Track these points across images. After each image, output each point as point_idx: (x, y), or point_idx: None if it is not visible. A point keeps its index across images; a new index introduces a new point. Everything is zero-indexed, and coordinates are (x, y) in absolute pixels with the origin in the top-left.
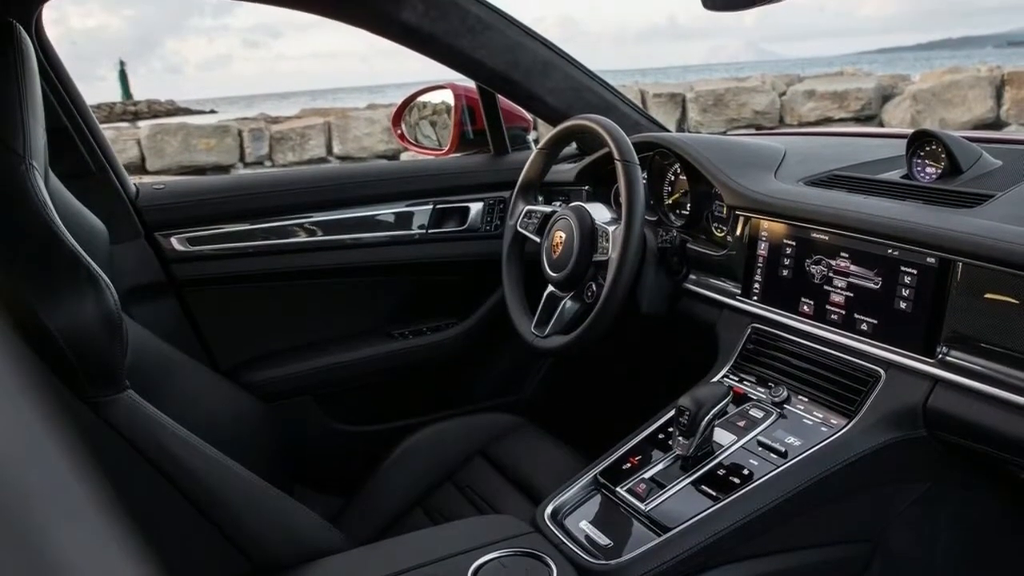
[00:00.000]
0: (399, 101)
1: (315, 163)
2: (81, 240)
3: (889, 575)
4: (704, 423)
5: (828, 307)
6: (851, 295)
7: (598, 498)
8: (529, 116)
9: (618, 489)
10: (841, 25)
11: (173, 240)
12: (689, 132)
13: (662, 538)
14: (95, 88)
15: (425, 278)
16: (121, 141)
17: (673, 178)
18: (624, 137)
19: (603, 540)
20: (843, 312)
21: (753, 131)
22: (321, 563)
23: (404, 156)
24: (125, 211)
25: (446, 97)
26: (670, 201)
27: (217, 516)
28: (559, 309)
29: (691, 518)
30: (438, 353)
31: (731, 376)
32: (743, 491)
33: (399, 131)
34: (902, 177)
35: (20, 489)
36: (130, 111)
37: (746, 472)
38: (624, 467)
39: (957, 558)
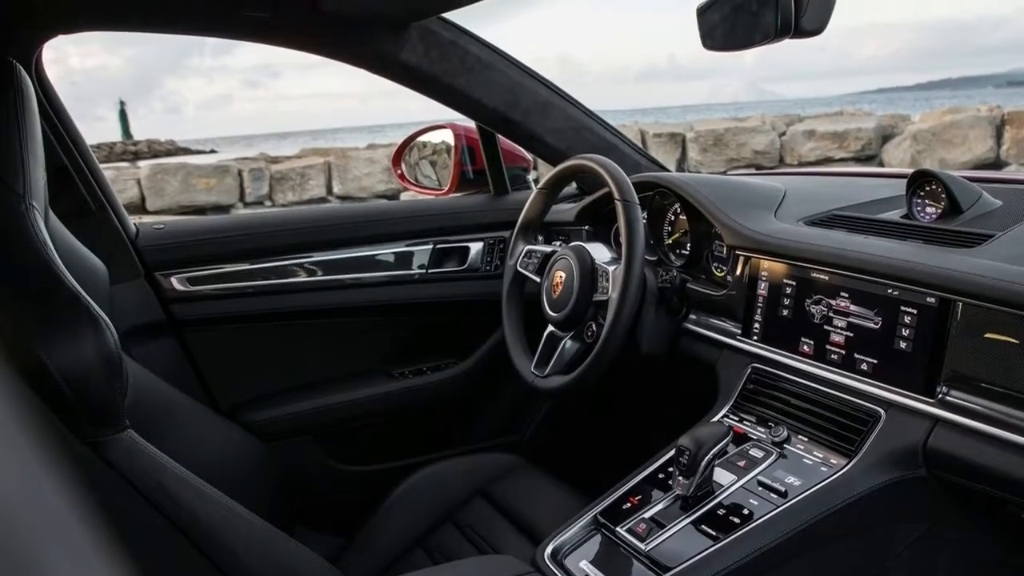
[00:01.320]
0: (399, 141)
1: (315, 203)
2: (81, 280)
3: None
4: (704, 463)
5: (828, 347)
6: (851, 335)
7: (598, 538)
8: (529, 156)
9: (618, 529)
10: (841, 65)
11: (173, 280)
12: (689, 172)
13: None
14: (95, 128)
15: (425, 318)
16: (121, 181)
17: (673, 218)
18: (624, 177)
19: None
20: (843, 352)
21: (753, 171)
22: None
23: (404, 196)
24: (125, 251)
25: (446, 137)
26: (670, 241)
27: (217, 557)
28: (559, 349)
29: (691, 558)
30: (438, 393)
31: (731, 416)
32: (743, 531)
33: (399, 171)
34: (902, 217)
35: (19, 529)
36: (130, 151)
37: (746, 512)
38: (624, 507)
39: None
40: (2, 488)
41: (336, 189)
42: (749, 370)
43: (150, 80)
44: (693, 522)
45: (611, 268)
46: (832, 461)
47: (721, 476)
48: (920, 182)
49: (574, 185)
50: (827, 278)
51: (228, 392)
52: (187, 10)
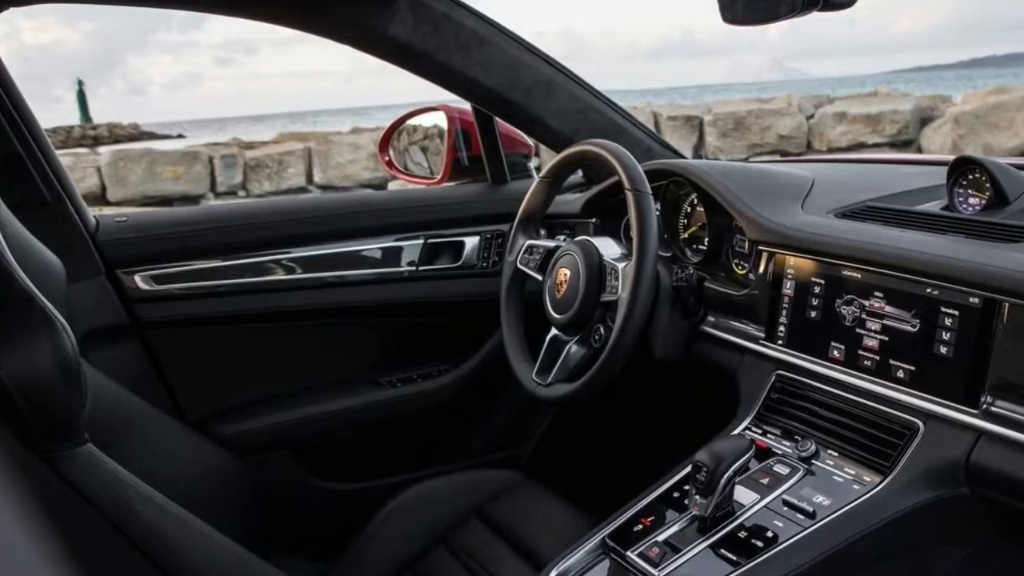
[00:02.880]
0: (387, 125)
1: (294, 193)
2: (35, 278)
3: None
4: (724, 480)
5: (860, 352)
6: (886, 339)
7: (606, 563)
8: (530, 141)
9: (629, 553)
10: (874, 41)
11: (136, 278)
12: (707, 159)
13: None
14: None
15: (415, 320)
16: (80, 168)
17: (689, 209)
18: (635, 164)
19: None
20: (877, 358)
21: (778, 158)
22: None
23: (392, 185)
24: (84, 246)
25: (438, 120)
26: (686, 235)
27: None
28: (563, 354)
29: None
30: (430, 403)
31: (753, 428)
32: (767, 555)
33: (387, 157)
34: (942, 209)
35: None
36: (89, 135)
37: (770, 534)
38: (635, 529)
39: None
40: None
41: (317, 178)
42: (773, 378)
43: (111, 57)
44: (711, 546)
45: (621, 265)
46: (865, 478)
47: (742, 495)
48: (962, 170)
49: (580, 173)
50: (860, 276)
51: (197, 402)
52: None
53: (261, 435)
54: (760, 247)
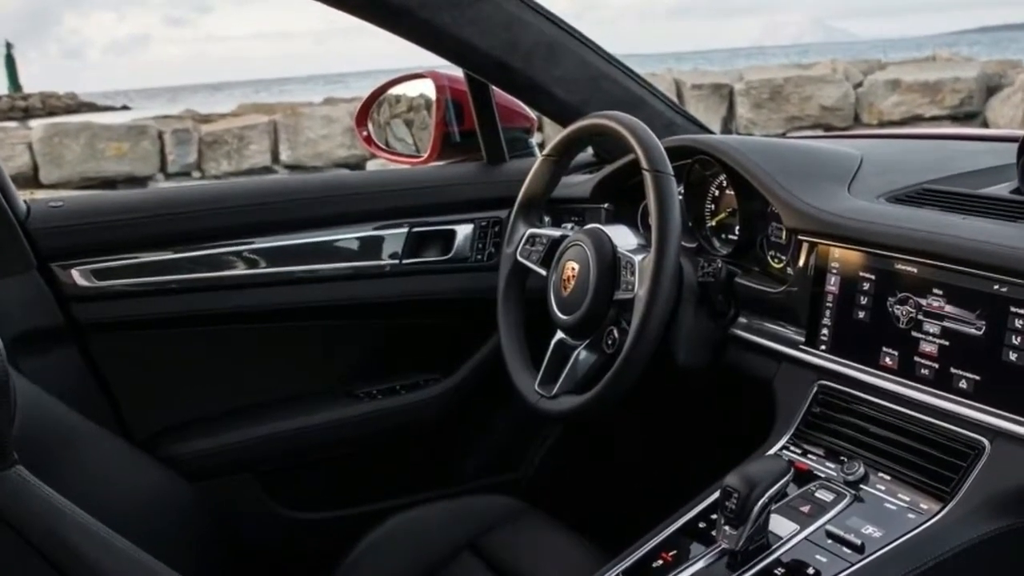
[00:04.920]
0: (365, 94)
1: (257, 174)
2: None
3: None
4: (757, 508)
5: (917, 359)
6: (946, 343)
7: None
8: (532, 114)
9: None
10: None
11: (74, 273)
12: (738, 134)
13: None
14: None
15: (398, 322)
16: (8, 145)
17: (717, 193)
18: (654, 140)
19: None
20: (936, 365)
21: (821, 133)
22: None
23: (371, 165)
24: (12, 235)
25: (425, 89)
26: (714, 223)
27: None
28: (571, 362)
29: None
30: (415, 418)
31: (792, 448)
32: None
33: (365, 132)
34: (1012, 192)
35: None
36: (19, 107)
37: (812, 571)
38: (655, 564)
39: None
40: None
41: (284, 156)
42: (815, 388)
43: (45, 16)
44: None
45: (637, 258)
46: (922, 506)
47: (779, 525)
48: None
49: (590, 151)
50: (916, 271)
51: (145, 418)
52: None
53: (219, 456)
54: (800, 237)
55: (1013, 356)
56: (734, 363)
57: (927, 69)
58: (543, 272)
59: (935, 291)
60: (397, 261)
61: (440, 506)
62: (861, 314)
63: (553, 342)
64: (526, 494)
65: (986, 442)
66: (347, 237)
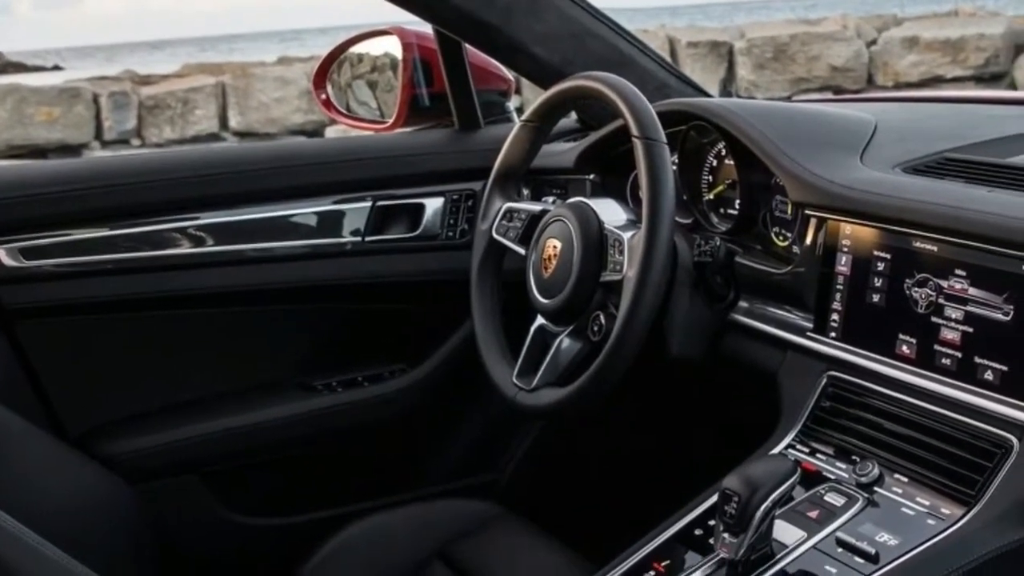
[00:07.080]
0: (324, 53)
1: (204, 141)
2: None
3: None
4: (760, 513)
5: (937, 347)
6: (970, 330)
7: None
8: (509, 75)
9: None
10: None
11: (0, 251)
12: (739, 97)
13: None
14: None
15: (361, 306)
16: None
17: (716, 163)
18: (645, 104)
19: None
20: (958, 354)
21: (830, 96)
22: None
23: (331, 132)
24: None
25: (391, 47)
26: (711, 196)
27: None
28: (552, 350)
29: None
30: (379, 413)
31: (798, 446)
32: None
33: (324, 95)
34: None
35: None
36: None
37: None
38: (646, 575)
39: None
40: None
41: (233, 122)
42: (824, 380)
43: None
44: None
45: (627, 235)
46: (943, 510)
47: (784, 532)
48: None
49: (573, 116)
50: (936, 249)
51: (79, 412)
52: None
53: (161, 455)
54: (807, 211)
55: None
56: (734, 352)
57: (948, 25)
58: (522, 251)
59: (957, 272)
60: (359, 239)
61: (407, 511)
62: (875, 297)
63: (533, 329)
64: (503, 497)
65: (1014, 440)
66: (304, 212)
